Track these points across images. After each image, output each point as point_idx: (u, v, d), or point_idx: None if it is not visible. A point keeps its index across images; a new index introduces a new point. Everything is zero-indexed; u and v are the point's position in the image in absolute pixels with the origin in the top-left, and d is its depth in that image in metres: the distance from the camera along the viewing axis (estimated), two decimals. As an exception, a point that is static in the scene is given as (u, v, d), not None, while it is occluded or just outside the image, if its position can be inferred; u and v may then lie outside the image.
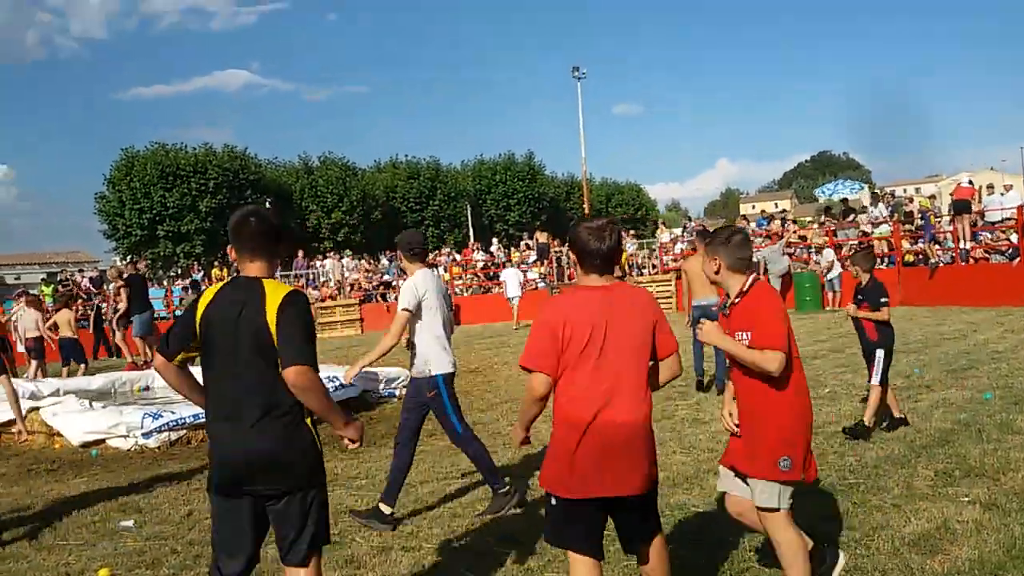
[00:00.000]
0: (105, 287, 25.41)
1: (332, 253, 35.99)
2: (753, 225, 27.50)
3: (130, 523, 6.53)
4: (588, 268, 3.65)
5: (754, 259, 5.81)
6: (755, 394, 3.88)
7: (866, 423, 7.38)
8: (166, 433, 9.51)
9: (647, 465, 3.55)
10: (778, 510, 3.84)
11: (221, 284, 3.58)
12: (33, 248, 64.07)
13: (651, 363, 3.64)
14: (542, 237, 31.24)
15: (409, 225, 54.49)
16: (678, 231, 30.48)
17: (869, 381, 7.54)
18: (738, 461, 4.00)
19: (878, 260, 22.06)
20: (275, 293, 3.41)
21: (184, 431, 9.63)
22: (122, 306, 15.25)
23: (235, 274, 3.61)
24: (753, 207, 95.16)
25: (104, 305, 23.99)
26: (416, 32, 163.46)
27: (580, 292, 3.65)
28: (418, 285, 5.92)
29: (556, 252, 28.81)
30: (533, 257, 30.39)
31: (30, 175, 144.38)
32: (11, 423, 10.48)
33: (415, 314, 5.91)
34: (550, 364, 3.51)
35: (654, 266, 28.25)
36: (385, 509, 5.98)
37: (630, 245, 29.27)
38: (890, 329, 7.52)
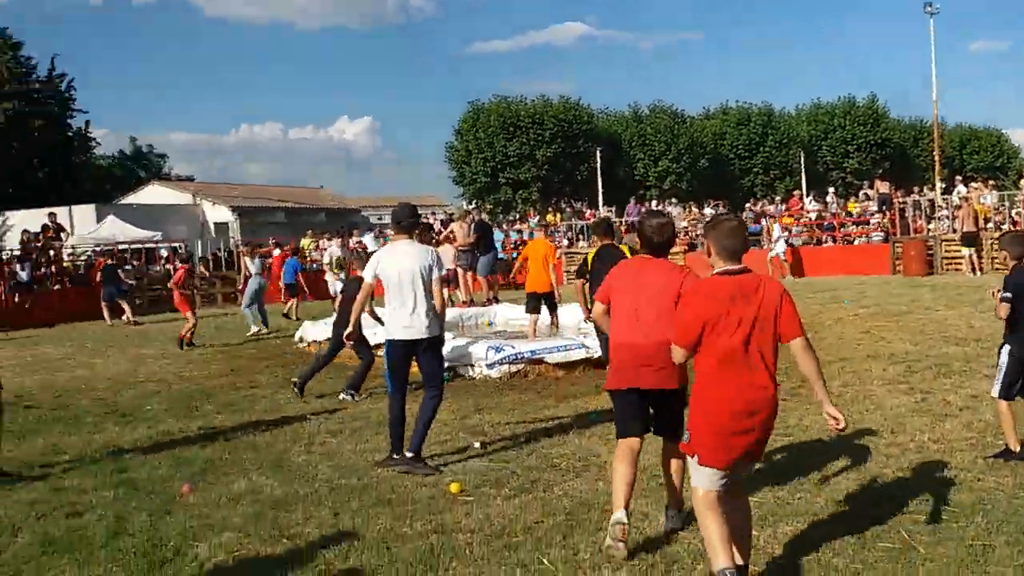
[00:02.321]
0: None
1: (656, 201, 36.21)
2: None
3: (477, 444, 7.23)
4: (645, 250, 4.97)
5: None
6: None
7: (1012, 448, 6.06)
8: (507, 366, 10.30)
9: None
10: (698, 490, 4.07)
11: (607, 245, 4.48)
12: (393, 192, 70.97)
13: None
14: (883, 186, 29.14)
15: (737, 173, 53.30)
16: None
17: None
18: None
19: None
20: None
21: (523, 365, 10.37)
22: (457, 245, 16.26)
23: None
24: None
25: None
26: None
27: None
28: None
29: (900, 203, 26.79)
30: (873, 208, 28.53)
31: (391, 126, 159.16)
32: (379, 346, 11.87)
33: None
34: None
35: (1015, 221, 25.26)
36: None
37: (987, 197, 26.45)
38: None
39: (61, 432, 8.48)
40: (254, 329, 16.39)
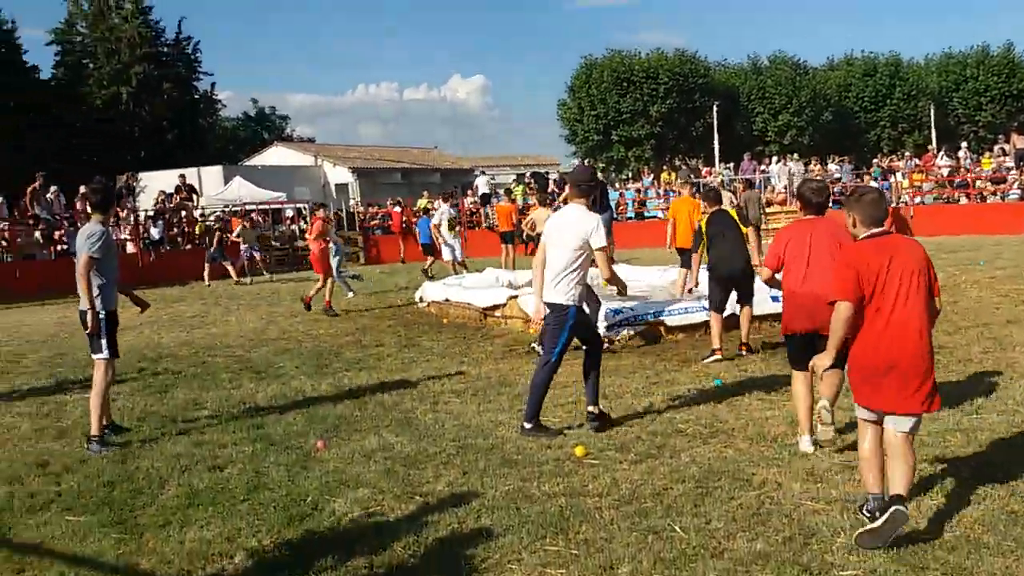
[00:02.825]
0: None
1: (777, 157, 35.08)
2: None
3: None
4: (809, 211, 5.94)
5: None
6: None
7: None
8: (626, 328, 10.21)
9: None
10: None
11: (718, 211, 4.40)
12: (505, 151, 70.82)
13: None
14: (1020, 141, 27.49)
15: (863, 127, 51.09)
16: None
17: None
18: None
19: None
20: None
21: (641, 327, 10.25)
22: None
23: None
24: None
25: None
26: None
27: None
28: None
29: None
30: (1009, 163, 26.94)
31: (501, 84, 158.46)
32: (496, 307, 12.02)
33: None
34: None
35: None
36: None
37: None
38: None
39: (200, 388, 8.89)
40: (350, 295, 16.69)
